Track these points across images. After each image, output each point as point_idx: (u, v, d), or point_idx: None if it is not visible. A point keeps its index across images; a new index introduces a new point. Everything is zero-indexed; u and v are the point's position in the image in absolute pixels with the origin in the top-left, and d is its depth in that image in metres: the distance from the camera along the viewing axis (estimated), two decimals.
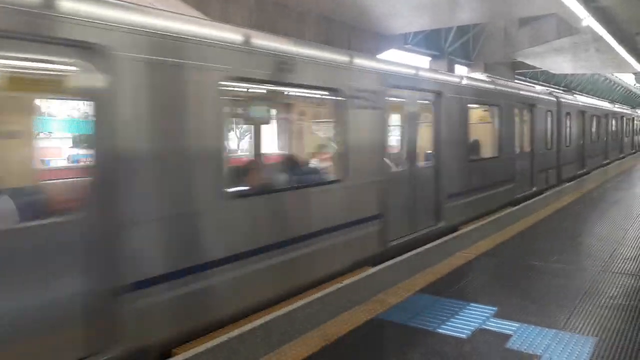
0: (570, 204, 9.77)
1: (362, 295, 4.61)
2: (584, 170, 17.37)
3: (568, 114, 15.66)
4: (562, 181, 14.61)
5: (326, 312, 4.20)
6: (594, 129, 19.34)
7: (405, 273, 5.29)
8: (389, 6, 13.12)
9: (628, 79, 39.85)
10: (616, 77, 39.07)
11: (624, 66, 24.61)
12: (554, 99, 14.71)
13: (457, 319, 4.07)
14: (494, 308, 4.27)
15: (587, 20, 13.78)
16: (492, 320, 4.02)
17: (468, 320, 4.04)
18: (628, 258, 5.84)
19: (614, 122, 23.31)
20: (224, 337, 3.74)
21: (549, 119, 13.98)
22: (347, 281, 5.10)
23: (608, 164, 20.32)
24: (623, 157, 24.32)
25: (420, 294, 4.68)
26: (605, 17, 14.63)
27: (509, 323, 3.94)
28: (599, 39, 16.78)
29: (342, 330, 3.86)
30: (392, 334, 3.87)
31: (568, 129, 15.78)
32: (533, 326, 3.87)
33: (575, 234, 7.28)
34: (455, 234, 7.32)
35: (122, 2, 3.96)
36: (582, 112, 17.46)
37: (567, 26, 15.96)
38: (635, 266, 5.53)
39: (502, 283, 5.06)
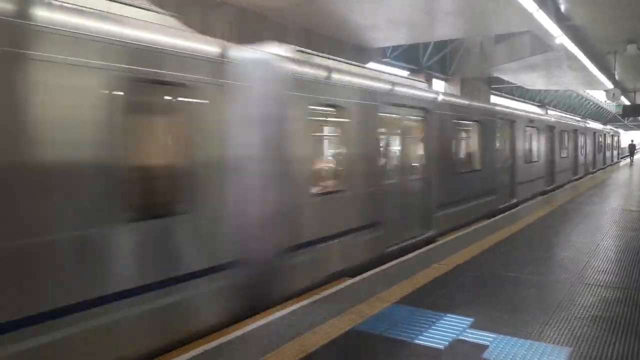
0: (543, 217, 9.96)
1: (340, 306, 4.61)
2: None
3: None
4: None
5: (305, 324, 4.18)
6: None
7: (382, 284, 5.31)
8: (368, 19, 13.27)
9: (599, 96, 40.96)
10: (587, 93, 40.16)
11: (595, 83, 25.23)
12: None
13: (434, 329, 4.09)
14: (470, 319, 4.30)
15: (561, 38, 14.18)
16: (468, 331, 4.06)
17: (445, 331, 4.06)
18: (601, 270, 5.97)
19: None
20: (199, 350, 3.69)
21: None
22: (325, 292, 5.09)
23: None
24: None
25: (398, 305, 4.70)
26: (578, 36, 15.06)
27: (486, 334, 3.98)
28: (571, 56, 17.24)
29: (319, 342, 3.84)
30: (369, 345, 3.87)
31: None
32: (509, 337, 3.91)
33: (549, 245, 7.41)
34: (431, 246, 7.40)
35: (430, 90, 10.02)
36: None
37: (541, 43, 16.34)
38: (608, 278, 5.65)
39: (479, 294, 5.11)
